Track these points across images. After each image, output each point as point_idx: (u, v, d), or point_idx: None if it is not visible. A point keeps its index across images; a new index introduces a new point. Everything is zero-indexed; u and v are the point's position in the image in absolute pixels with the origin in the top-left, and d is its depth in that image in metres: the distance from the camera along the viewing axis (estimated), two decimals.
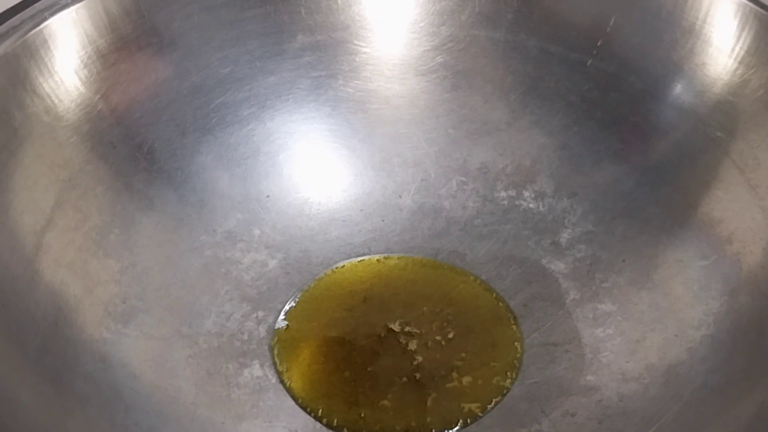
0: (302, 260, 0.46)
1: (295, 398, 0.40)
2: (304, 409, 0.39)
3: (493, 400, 0.40)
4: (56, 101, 0.41)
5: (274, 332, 0.42)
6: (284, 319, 0.43)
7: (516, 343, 0.42)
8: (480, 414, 0.39)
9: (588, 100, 0.46)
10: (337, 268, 0.45)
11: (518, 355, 0.41)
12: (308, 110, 0.47)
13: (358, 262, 0.46)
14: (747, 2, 0.41)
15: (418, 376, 0.41)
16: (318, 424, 0.39)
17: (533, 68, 0.47)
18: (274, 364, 0.41)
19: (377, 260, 0.46)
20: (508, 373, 0.41)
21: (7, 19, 0.40)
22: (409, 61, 0.48)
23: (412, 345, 0.42)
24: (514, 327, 0.43)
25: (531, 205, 0.47)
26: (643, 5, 0.44)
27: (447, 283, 0.45)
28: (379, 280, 0.45)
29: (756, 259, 0.40)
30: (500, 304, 0.44)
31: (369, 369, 0.41)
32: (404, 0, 0.47)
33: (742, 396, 0.36)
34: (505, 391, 0.40)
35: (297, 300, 0.44)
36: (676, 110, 0.44)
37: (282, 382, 0.40)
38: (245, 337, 0.42)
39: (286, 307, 0.44)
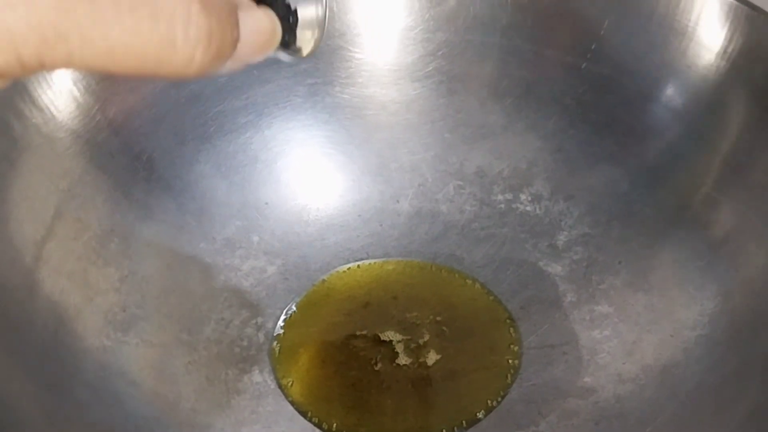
0: (301, 266, 0.46)
1: (293, 403, 0.40)
2: (303, 414, 0.40)
3: (492, 403, 0.40)
4: (55, 112, 0.41)
5: (273, 338, 0.43)
6: (283, 324, 0.43)
7: (513, 346, 0.42)
8: (479, 417, 0.40)
9: (583, 103, 0.46)
10: (335, 273, 0.46)
11: (516, 358, 0.42)
12: (305, 117, 0.48)
13: (357, 267, 0.46)
14: (738, 4, 0.41)
15: (416, 379, 0.41)
16: (317, 430, 0.39)
17: (528, 72, 0.47)
18: (273, 369, 0.41)
19: (375, 265, 0.46)
20: (506, 376, 0.41)
21: None
22: (404, 66, 0.48)
23: (411, 349, 0.42)
24: (511, 330, 0.43)
25: (528, 208, 0.47)
26: (636, 9, 0.44)
27: (445, 287, 0.45)
28: (377, 285, 0.45)
29: (750, 260, 0.40)
30: (498, 307, 0.44)
31: (368, 373, 0.41)
32: (399, 6, 0.48)
33: (737, 396, 0.36)
34: (503, 394, 0.40)
35: (296, 305, 0.44)
36: (669, 112, 0.44)
37: (281, 387, 0.41)
38: (245, 343, 0.43)
39: (285, 313, 0.44)
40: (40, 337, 0.36)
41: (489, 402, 0.40)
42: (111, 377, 0.38)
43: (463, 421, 0.39)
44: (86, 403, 0.36)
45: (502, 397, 0.40)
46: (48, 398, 0.35)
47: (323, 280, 0.45)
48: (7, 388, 0.34)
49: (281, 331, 0.43)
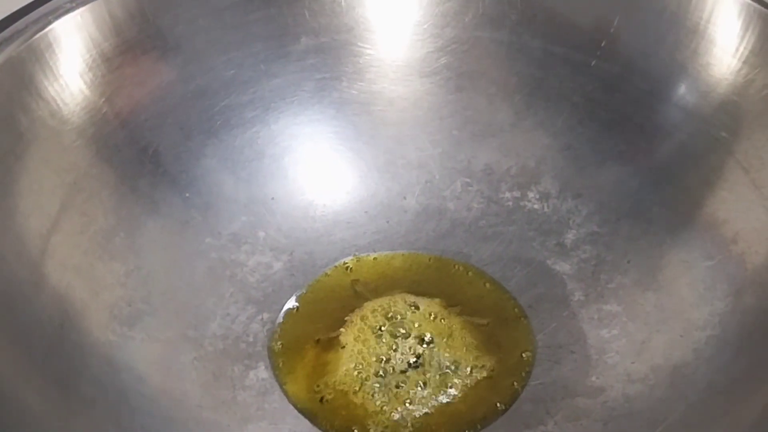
0: (307, 262, 0.46)
1: (297, 402, 0.40)
2: (306, 412, 0.39)
3: (500, 402, 0.40)
4: (61, 105, 0.41)
5: (278, 334, 0.42)
6: (288, 320, 0.43)
7: (521, 344, 0.42)
8: (498, 410, 0.39)
9: (592, 101, 0.46)
10: (339, 267, 0.45)
11: (524, 357, 0.41)
12: (312, 112, 0.47)
13: (359, 261, 0.46)
14: (750, 2, 0.41)
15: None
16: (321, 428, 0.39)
17: (537, 69, 0.47)
18: (278, 366, 0.41)
19: (381, 260, 0.46)
20: (514, 375, 0.41)
21: (12, 23, 0.40)
22: (412, 62, 0.48)
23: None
24: (520, 328, 0.43)
25: (536, 206, 0.47)
26: (646, 6, 0.44)
27: (453, 283, 0.45)
28: (384, 281, 0.45)
29: (761, 259, 0.40)
30: (506, 304, 0.44)
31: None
32: (408, 2, 0.47)
33: (747, 396, 0.36)
34: (511, 393, 0.40)
35: (300, 301, 0.44)
36: (680, 111, 0.44)
37: (283, 385, 0.40)
38: (250, 339, 0.42)
39: (290, 308, 0.44)
40: (46, 331, 0.36)
41: (497, 401, 0.40)
42: (117, 373, 0.38)
43: (472, 420, 0.39)
44: (92, 398, 0.36)
45: (511, 397, 0.40)
46: (54, 393, 0.34)
47: (327, 275, 0.45)
48: (13, 382, 0.33)
49: (286, 327, 0.43)
